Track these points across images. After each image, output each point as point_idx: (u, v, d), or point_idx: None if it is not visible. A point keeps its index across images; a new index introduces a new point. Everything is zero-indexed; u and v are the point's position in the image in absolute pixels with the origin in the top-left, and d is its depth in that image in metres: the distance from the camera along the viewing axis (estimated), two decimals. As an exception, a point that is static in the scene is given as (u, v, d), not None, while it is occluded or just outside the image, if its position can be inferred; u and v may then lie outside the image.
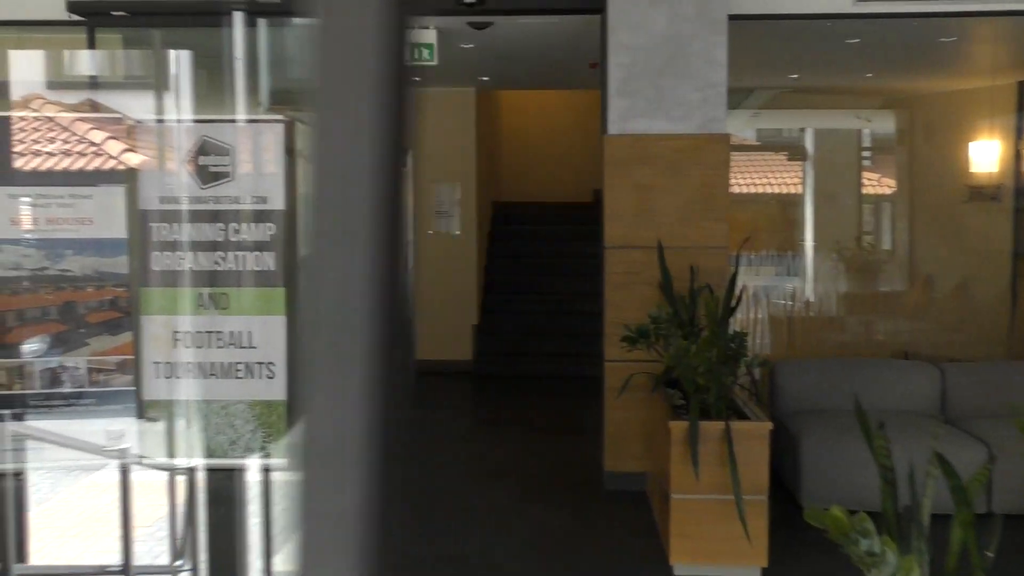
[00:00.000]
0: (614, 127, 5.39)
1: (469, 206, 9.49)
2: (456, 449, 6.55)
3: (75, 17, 5.81)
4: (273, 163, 5.86)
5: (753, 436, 4.06)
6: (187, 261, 5.77)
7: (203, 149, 5.86)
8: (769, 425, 4.09)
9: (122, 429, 5.78)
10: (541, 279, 10.19)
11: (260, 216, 5.79)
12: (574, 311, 9.86)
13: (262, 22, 5.93)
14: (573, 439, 6.69)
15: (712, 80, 5.32)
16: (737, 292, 4.72)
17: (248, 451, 5.89)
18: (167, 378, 5.78)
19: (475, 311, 9.61)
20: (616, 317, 5.38)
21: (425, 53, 6.17)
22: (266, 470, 5.56)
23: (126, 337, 5.72)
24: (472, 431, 7.24)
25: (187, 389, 5.77)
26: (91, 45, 5.87)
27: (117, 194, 5.68)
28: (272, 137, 5.82)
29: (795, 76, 8.07)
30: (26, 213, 5.63)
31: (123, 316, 5.70)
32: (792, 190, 9.24)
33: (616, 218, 5.41)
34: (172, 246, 5.79)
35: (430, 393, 8.66)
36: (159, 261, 5.79)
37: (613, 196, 5.41)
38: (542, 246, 10.60)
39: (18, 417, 5.66)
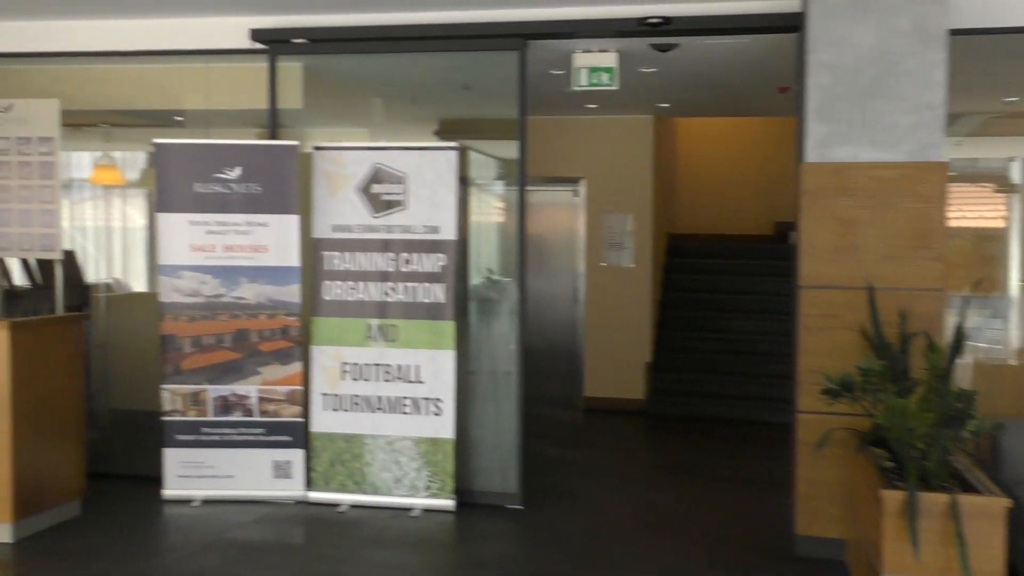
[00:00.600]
0: (812, 154, 4.90)
1: (643, 237, 9.09)
2: (626, 496, 6.14)
3: (258, 45, 5.84)
4: (446, 191, 5.69)
5: (985, 513, 3.48)
6: (357, 291, 5.66)
7: (376, 177, 5.75)
8: (1005, 502, 3.49)
9: (289, 460, 5.70)
10: (718, 316, 9.65)
11: (431, 246, 5.62)
12: (755, 351, 9.27)
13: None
14: (757, 493, 6.16)
15: (928, 102, 4.75)
16: (959, 342, 4.12)
17: (413, 490, 5.69)
18: (334, 411, 5.67)
19: (648, 348, 9.18)
20: (811, 364, 4.86)
21: (605, 78, 5.87)
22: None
23: (296, 367, 5.66)
24: (644, 476, 6.81)
25: (352, 423, 5.63)
26: (272, 73, 5.88)
27: (292, 222, 5.65)
28: (445, 165, 5.64)
29: (1013, 99, 7.28)
30: (206, 240, 5.65)
31: (294, 346, 5.64)
32: (997, 224, 8.40)
33: (813, 254, 4.91)
34: (343, 276, 5.70)
35: (599, 433, 8.29)
36: (330, 291, 5.71)
37: (810, 230, 4.91)
38: (719, 281, 10.06)
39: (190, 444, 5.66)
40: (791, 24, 5.13)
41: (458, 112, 6.80)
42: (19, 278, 7.50)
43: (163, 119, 6.93)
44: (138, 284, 7.70)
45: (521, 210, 5.67)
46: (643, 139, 9.06)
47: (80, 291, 7.30)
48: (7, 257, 6.22)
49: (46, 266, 7.46)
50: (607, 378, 9.09)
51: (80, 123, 7.69)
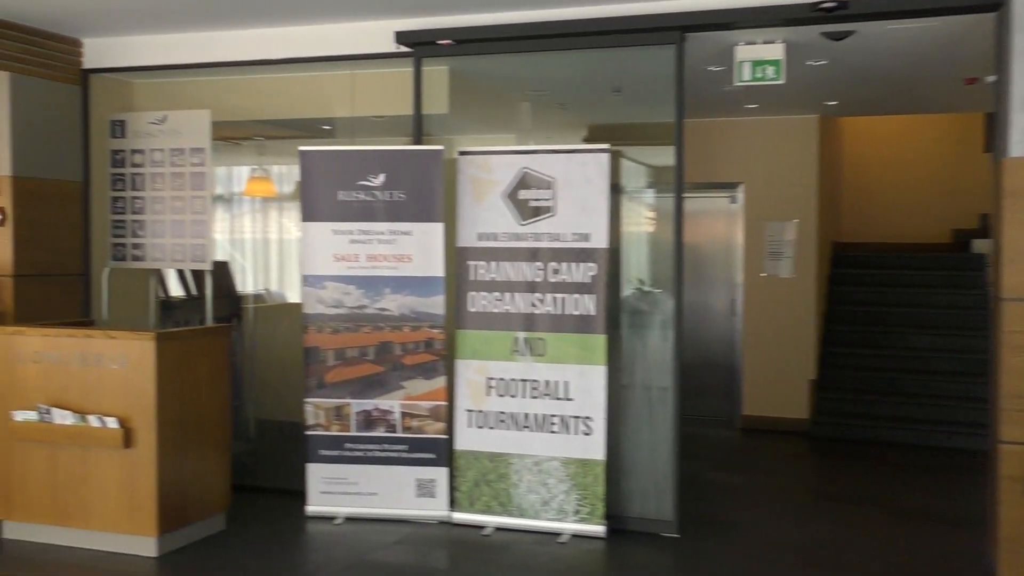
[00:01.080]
0: (1016, 149, 4.30)
1: (807, 246, 8.48)
2: (790, 526, 5.62)
3: (403, 48, 5.66)
4: (597, 196, 5.35)
5: None
6: (504, 302, 5.38)
7: (524, 182, 5.47)
8: None
9: (433, 479, 5.47)
10: (889, 331, 8.90)
11: (581, 255, 5.28)
12: (932, 370, 8.49)
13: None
14: (944, 531, 5.52)
15: None
16: None
17: (561, 513, 5.35)
18: (479, 428, 5.41)
19: (812, 364, 8.54)
20: (1016, 388, 4.25)
21: (771, 71, 5.40)
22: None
23: (440, 382, 5.42)
24: (810, 505, 6.25)
25: (498, 441, 5.35)
26: (417, 77, 5.69)
27: (436, 231, 5.43)
28: (596, 168, 5.29)
29: None
30: (349, 249, 5.50)
31: (438, 359, 5.41)
32: None
33: (1018, 262, 4.30)
34: (489, 286, 5.43)
35: (759, 455, 7.73)
36: (475, 302, 5.45)
37: (1013, 235, 4.31)
38: (889, 293, 9.30)
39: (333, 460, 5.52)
40: (991, 2, 4.54)
41: (608, 117, 6.44)
42: (176, 288, 7.62)
43: (311, 128, 6.88)
44: (292, 295, 7.71)
45: (678, 218, 5.26)
46: (807, 140, 8.46)
47: (232, 302, 7.33)
48: (161, 268, 6.26)
49: (200, 277, 7.54)
50: (768, 396, 8.51)
51: (234, 136, 7.77)
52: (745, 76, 5.47)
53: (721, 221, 8.87)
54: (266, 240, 8.87)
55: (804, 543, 5.28)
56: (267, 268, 9.50)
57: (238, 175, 8.80)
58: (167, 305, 7.19)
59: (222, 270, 7.78)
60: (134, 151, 6.15)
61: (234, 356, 6.67)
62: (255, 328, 6.95)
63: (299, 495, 5.62)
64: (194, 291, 7.64)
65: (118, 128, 6.19)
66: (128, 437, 4.79)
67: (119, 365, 4.84)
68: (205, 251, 5.98)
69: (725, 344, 8.80)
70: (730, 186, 8.72)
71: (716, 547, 5.17)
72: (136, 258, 6.16)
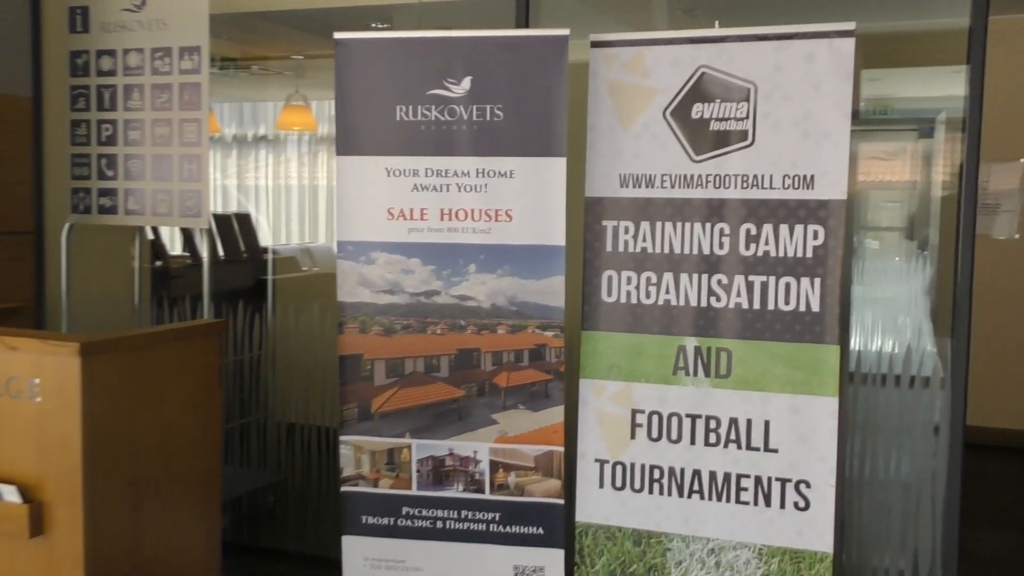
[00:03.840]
0: None
1: (1035, 198, 6.19)
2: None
3: None
4: (830, 114, 3.14)
5: None
6: (661, 289, 3.28)
7: (701, 90, 3.25)
8: None
9: (540, 566, 3.48)
10: None
11: (799, 213, 3.05)
12: None
13: None
14: None
15: None
16: None
17: (754, 637, 3.28)
18: (617, 489, 3.34)
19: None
20: None
21: None
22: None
23: (554, 415, 3.33)
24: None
25: (648, 512, 3.27)
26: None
27: (554, 171, 3.29)
28: (830, 65, 3.09)
29: None
30: (412, 201, 3.44)
31: (552, 379, 3.36)
32: None
33: None
34: (637, 262, 3.29)
35: (991, 480, 5.57)
36: (614, 287, 3.32)
37: None
38: None
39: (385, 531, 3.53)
40: None
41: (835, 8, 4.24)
42: (177, 248, 5.73)
43: (359, 20, 4.82)
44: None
45: (972, 160, 3.18)
46: None
47: (256, 269, 5.41)
48: (137, 224, 4.32)
49: (223, 230, 5.63)
50: (993, 401, 6.33)
51: (254, 56, 5.84)
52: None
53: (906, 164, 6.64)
54: (302, 187, 7.00)
55: None
56: (312, 223, 7.69)
57: (263, 112, 7.07)
58: (163, 274, 5.27)
59: (245, 226, 5.84)
60: (101, 53, 4.20)
61: (248, 354, 4.75)
62: (288, 307, 5.01)
63: (334, 567, 3.67)
64: (206, 252, 5.75)
65: (79, 18, 4.24)
66: (37, 518, 2.85)
67: (29, 395, 2.89)
68: (200, 201, 4.03)
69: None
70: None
71: None
72: (105, 209, 4.23)
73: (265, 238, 9.04)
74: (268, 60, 6.45)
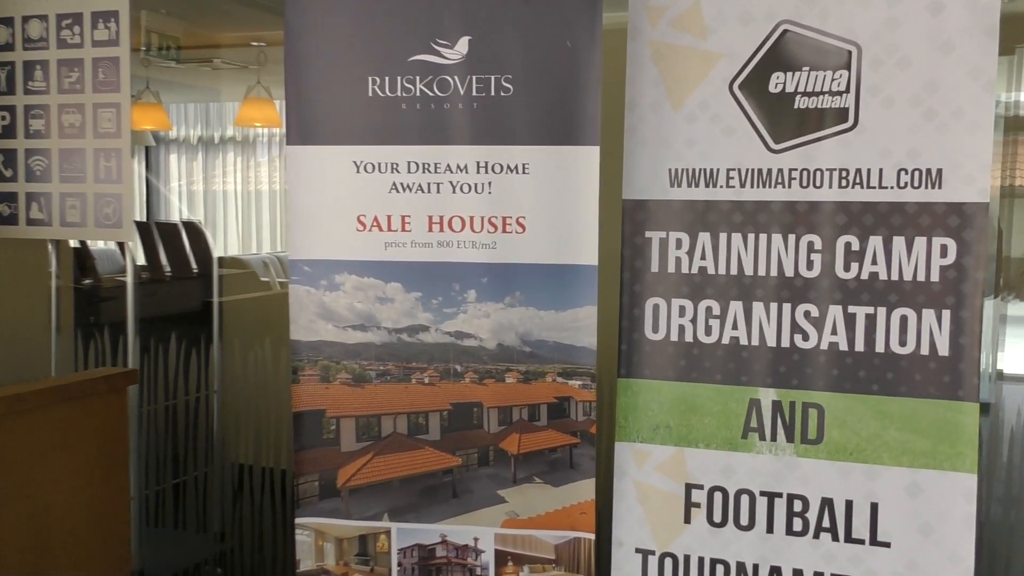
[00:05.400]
0: None
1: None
2: None
3: None
4: (965, 88, 2.27)
5: None
6: (726, 323, 2.42)
7: (782, 55, 2.35)
8: None
9: None
10: None
11: (921, 220, 2.21)
12: None
13: None
14: None
15: None
16: None
17: None
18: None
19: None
20: None
21: None
22: None
23: (582, 490, 2.45)
24: None
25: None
26: None
27: (586, 163, 2.39)
28: (964, 21, 2.27)
29: None
30: (390, 205, 2.54)
31: (577, 444, 2.25)
32: None
33: None
34: (694, 287, 2.46)
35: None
36: (662, 321, 2.42)
37: None
38: None
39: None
40: None
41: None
42: (107, 262, 4.86)
43: None
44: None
45: None
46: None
47: (204, 287, 4.56)
48: (40, 237, 3.43)
49: (168, 239, 4.79)
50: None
51: (214, 44, 5.02)
52: None
53: None
54: (259, 192, 6.18)
55: None
56: (284, 229, 6.85)
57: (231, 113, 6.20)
58: (92, 295, 4.38)
59: (195, 237, 4.98)
60: (-5, 21, 3.33)
61: (201, 390, 3.89)
62: (242, 336, 4.14)
63: None
64: (129, 272, 4.88)
65: (-33, -22, 3.35)
66: None
67: None
68: (120, 208, 3.16)
69: None
70: None
71: None
72: (2, 219, 3.36)
73: (232, 247, 8.08)
74: (220, 48, 5.61)
